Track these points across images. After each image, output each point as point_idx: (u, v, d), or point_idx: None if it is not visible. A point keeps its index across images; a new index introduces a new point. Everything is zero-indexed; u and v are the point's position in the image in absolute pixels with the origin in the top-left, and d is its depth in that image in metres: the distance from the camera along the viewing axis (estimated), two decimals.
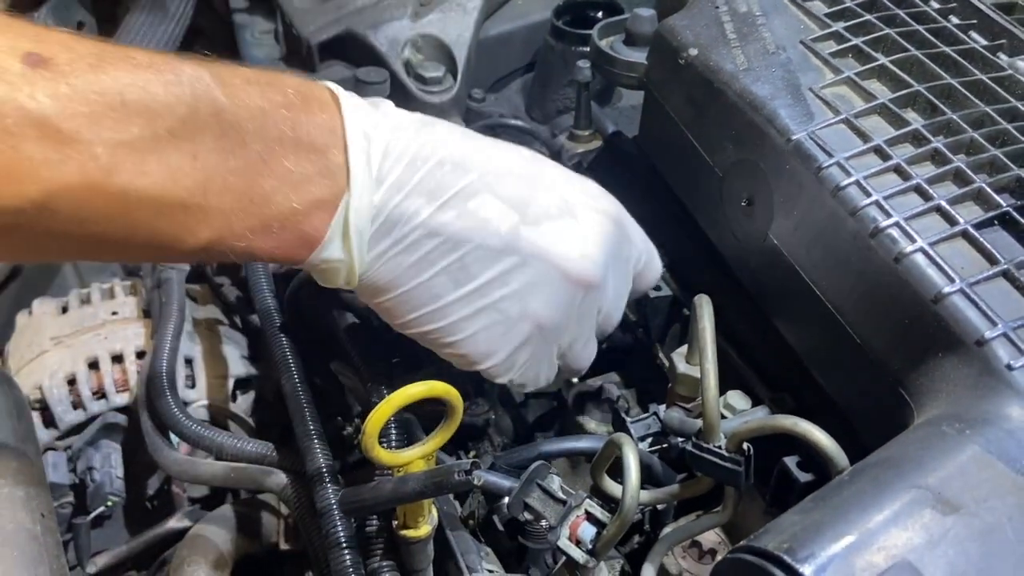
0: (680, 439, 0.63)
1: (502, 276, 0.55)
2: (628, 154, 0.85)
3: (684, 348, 0.67)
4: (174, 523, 0.79)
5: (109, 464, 0.78)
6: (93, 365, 0.82)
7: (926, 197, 0.53)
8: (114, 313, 0.88)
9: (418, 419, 0.66)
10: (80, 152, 0.43)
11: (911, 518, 0.41)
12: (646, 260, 0.64)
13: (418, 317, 0.56)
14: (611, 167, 0.87)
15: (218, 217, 0.48)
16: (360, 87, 0.85)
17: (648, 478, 0.64)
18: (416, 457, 0.55)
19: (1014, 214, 0.52)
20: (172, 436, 0.73)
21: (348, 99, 0.53)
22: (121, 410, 0.82)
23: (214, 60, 0.50)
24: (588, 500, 0.62)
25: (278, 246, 0.51)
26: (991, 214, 0.52)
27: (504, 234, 0.54)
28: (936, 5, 0.69)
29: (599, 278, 0.58)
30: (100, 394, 0.82)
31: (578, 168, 0.88)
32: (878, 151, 0.56)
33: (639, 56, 0.76)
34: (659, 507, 0.66)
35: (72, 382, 0.82)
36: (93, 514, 0.77)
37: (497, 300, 0.56)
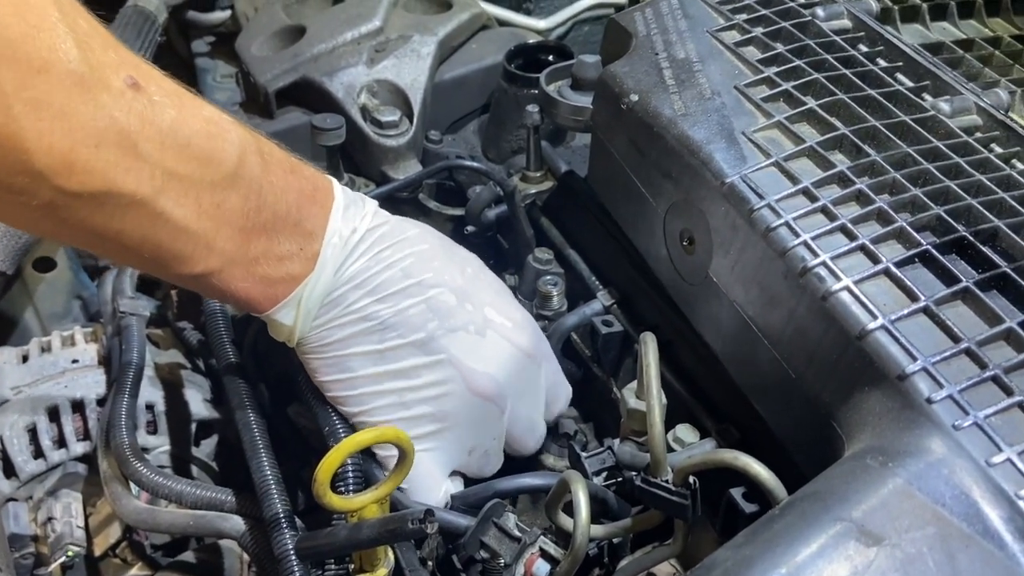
0: (632, 473, 0.65)
1: (413, 369, 0.64)
2: (580, 192, 0.87)
3: (635, 383, 0.69)
4: (136, 571, 0.79)
5: (69, 514, 0.77)
6: (53, 414, 0.82)
7: (851, 237, 0.56)
8: (75, 361, 0.87)
9: None
10: (143, 169, 0.50)
11: (836, 551, 0.43)
12: (552, 397, 0.72)
13: (332, 381, 0.65)
14: (564, 205, 0.89)
15: (217, 257, 0.57)
16: (317, 133, 0.86)
17: (603, 512, 0.66)
18: (369, 502, 0.56)
19: (933, 252, 0.54)
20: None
21: (340, 199, 0.62)
22: (81, 459, 0.82)
23: (260, 133, 0.60)
24: (543, 537, 0.63)
25: (248, 296, 0.60)
26: (912, 252, 0.54)
27: (424, 333, 0.63)
28: (864, 49, 0.72)
29: (497, 395, 0.66)
30: (60, 443, 0.82)
31: (532, 208, 0.90)
32: (806, 193, 0.58)
33: (585, 101, 0.79)
34: (615, 540, 0.68)
35: (33, 432, 0.81)
36: (54, 564, 0.77)
37: (403, 388, 0.64)
